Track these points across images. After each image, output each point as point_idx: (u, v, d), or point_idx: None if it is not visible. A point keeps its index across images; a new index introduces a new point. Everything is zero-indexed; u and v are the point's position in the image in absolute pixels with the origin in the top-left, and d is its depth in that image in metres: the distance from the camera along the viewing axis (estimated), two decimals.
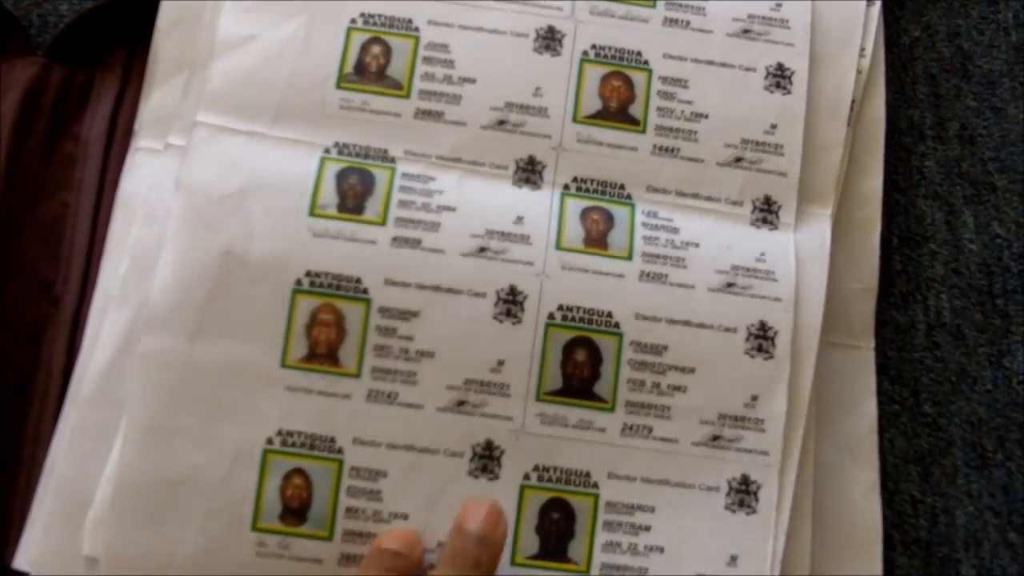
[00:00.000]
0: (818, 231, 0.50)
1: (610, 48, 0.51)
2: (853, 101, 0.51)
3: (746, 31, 0.51)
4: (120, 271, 0.48)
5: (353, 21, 0.50)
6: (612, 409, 0.46)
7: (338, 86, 0.49)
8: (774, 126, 0.50)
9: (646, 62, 0.51)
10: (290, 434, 0.45)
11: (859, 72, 0.52)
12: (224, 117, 0.48)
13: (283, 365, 0.46)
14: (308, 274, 0.46)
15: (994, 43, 0.57)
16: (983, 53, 0.56)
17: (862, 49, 0.52)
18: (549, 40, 0.50)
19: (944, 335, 0.52)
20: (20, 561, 0.45)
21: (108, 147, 0.51)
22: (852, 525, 0.48)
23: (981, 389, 0.51)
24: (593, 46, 0.51)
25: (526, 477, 0.46)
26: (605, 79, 0.50)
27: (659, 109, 0.50)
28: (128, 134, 0.51)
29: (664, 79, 0.50)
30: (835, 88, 0.51)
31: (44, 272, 0.49)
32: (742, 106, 0.50)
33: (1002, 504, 0.50)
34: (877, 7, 0.53)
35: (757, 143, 0.50)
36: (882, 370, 0.51)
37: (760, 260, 0.48)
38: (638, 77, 0.50)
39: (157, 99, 0.51)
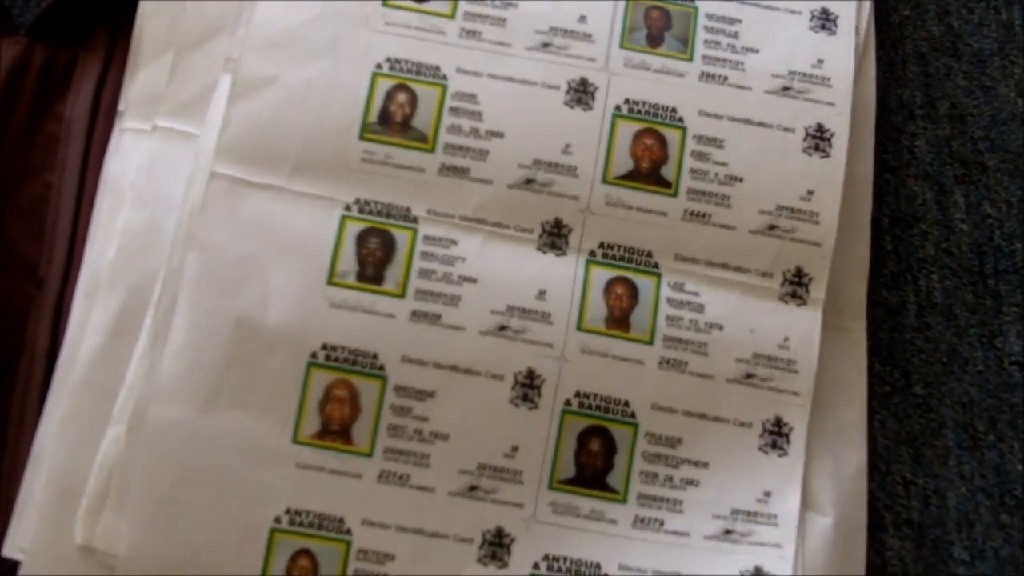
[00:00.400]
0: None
1: (644, 103, 0.49)
2: None
3: (786, 88, 0.50)
4: (108, 255, 0.47)
5: (379, 66, 0.48)
6: (624, 501, 0.46)
7: (361, 136, 0.48)
8: (811, 192, 0.48)
9: (681, 119, 0.49)
10: (299, 513, 0.44)
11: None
12: (241, 168, 0.47)
13: (295, 441, 0.45)
14: (324, 347, 0.45)
15: (984, 22, 0.56)
16: (973, 32, 0.56)
17: (856, 27, 0.52)
18: (581, 93, 0.49)
19: (935, 316, 0.52)
20: (10, 549, 0.44)
21: (91, 127, 0.51)
22: (838, 507, 0.47)
23: (973, 370, 0.51)
24: (626, 100, 0.49)
25: (535, 567, 0.45)
26: (637, 136, 0.49)
27: (692, 171, 0.48)
28: (111, 114, 0.51)
29: (699, 138, 0.49)
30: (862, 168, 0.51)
31: (27, 253, 0.49)
32: (779, 169, 0.49)
33: (994, 485, 0.49)
34: None
35: (792, 210, 0.48)
36: (873, 351, 0.50)
37: (783, 347, 0.47)
38: (672, 135, 0.49)
39: (143, 79, 0.50)
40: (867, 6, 0.52)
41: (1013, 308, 0.52)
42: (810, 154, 0.49)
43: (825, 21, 0.51)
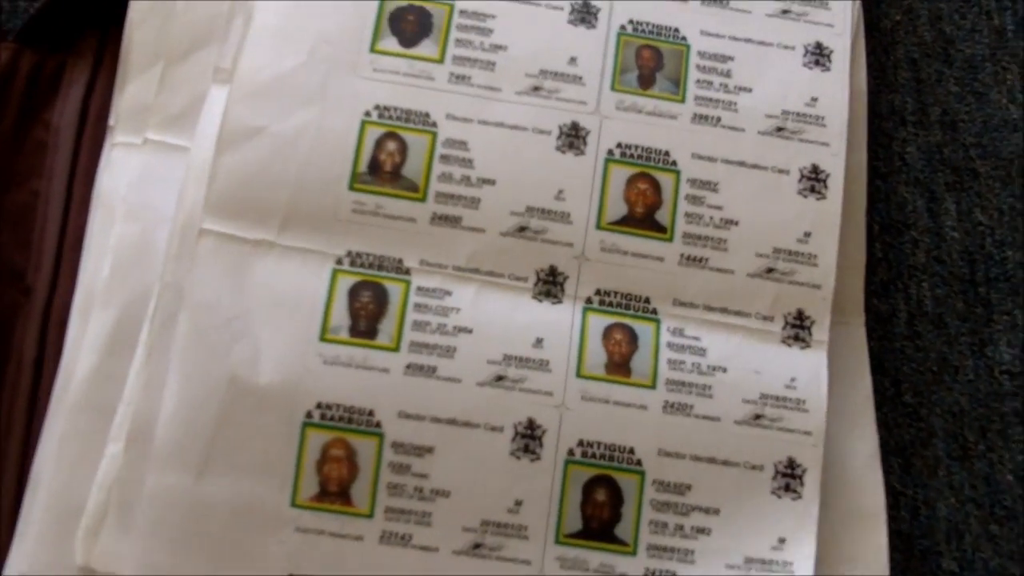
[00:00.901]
0: (852, 346, 0.49)
1: (636, 147, 0.48)
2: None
3: (779, 129, 0.49)
4: (103, 272, 0.47)
5: (367, 114, 0.48)
6: (634, 553, 0.45)
7: (351, 187, 0.47)
8: (808, 234, 0.48)
9: (674, 163, 0.48)
10: None
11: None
12: (230, 223, 0.46)
13: (293, 504, 0.44)
14: (319, 406, 0.44)
15: (976, 27, 0.56)
16: (965, 37, 0.56)
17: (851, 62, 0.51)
18: (573, 138, 0.48)
19: (926, 324, 0.51)
20: (11, 570, 0.44)
21: (79, 134, 0.51)
22: (855, 496, 0.47)
23: (963, 379, 0.51)
24: (619, 144, 0.48)
25: None
26: (631, 181, 0.48)
27: (687, 215, 0.48)
28: (100, 120, 0.51)
29: (693, 182, 0.48)
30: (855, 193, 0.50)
31: (14, 261, 0.49)
32: (774, 212, 0.48)
33: (984, 496, 0.49)
34: None
35: (790, 253, 0.48)
36: None
37: (790, 387, 0.46)
38: (665, 179, 0.48)
39: (132, 92, 0.50)
40: (857, 9, 0.52)
41: (1004, 317, 0.51)
42: (806, 196, 0.49)
43: (819, 56, 0.51)
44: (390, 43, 0.49)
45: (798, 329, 0.47)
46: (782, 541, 0.45)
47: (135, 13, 0.51)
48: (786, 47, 0.51)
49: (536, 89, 0.49)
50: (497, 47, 0.49)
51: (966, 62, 0.55)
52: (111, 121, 0.50)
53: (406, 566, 0.44)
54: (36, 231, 0.49)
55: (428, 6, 0.50)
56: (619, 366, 0.46)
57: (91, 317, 0.47)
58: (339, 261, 0.46)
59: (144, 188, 0.48)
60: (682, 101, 0.49)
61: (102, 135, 0.50)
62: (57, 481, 0.45)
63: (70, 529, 0.44)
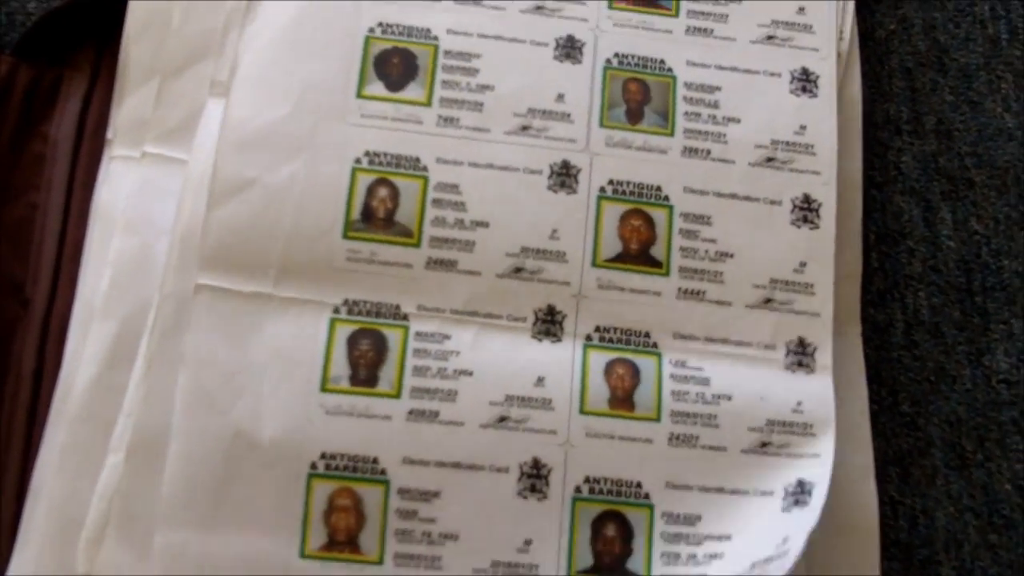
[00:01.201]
0: (852, 358, 0.48)
1: (628, 183, 0.48)
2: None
3: (770, 159, 0.49)
4: (102, 285, 0.47)
5: (358, 161, 0.48)
6: None
7: (345, 235, 0.47)
8: (803, 264, 0.48)
9: (666, 198, 0.48)
10: None
11: (838, 55, 0.51)
12: (225, 277, 0.46)
13: (302, 556, 0.44)
14: (323, 456, 0.44)
15: (970, 36, 0.56)
16: (959, 46, 0.56)
17: (840, 32, 0.51)
18: (564, 176, 0.48)
19: (922, 333, 0.51)
20: None
21: (77, 147, 0.51)
22: (848, 511, 0.47)
23: (960, 388, 0.50)
24: (610, 181, 0.48)
25: None
26: (624, 218, 0.48)
27: (682, 249, 0.48)
28: (97, 133, 0.51)
29: (686, 216, 0.48)
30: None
31: (13, 273, 0.49)
32: (769, 243, 0.48)
33: (982, 505, 0.49)
34: None
35: (787, 283, 0.48)
36: None
37: (797, 411, 0.46)
38: (658, 214, 0.48)
39: (130, 105, 0.51)
40: (851, 13, 0.52)
41: (1001, 326, 0.51)
42: (799, 226, 0.49)
43: (805, 83, 0.51)
44: (376, 87, 0.49)
45: (801, 356, 0.47)
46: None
47: (132, 27, 0.51)
48: (772, 74, 0.51)
49: (525, 128, 0.49)
50: (484, 87, 0.49)
51: (961, 71, 0.55)
52: (109, 135, 0.51)
53: None
54: (34, 244, 0.50)
55: (412, 48, 0.50)
56: (622, 400, 0.46)
57: (91, 329, 0.47)
58: (336, 310, 0.46)
59: (143, 201, 0.49)
60: (671, 135, 0.49)
61: (99, 148, 0.51)
62: (58, 491, 0.45)
63: (71, 539, 0.44)
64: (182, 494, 0.44)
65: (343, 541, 0.44)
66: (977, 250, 0.53)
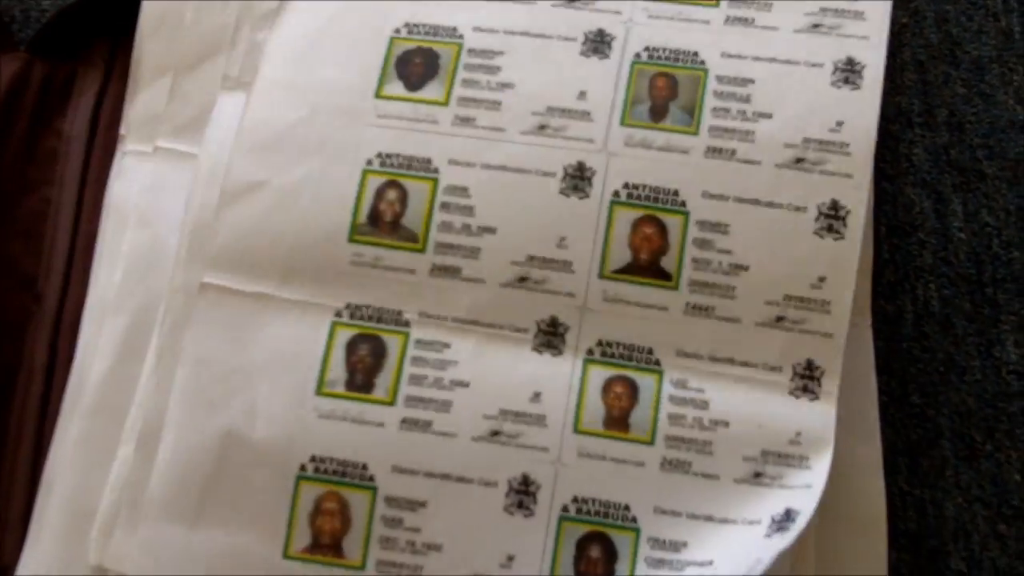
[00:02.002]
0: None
1: (644, 187, 0.46)
2: None
3: (799, 160, 0.46)
4: (115, 278, 0.48)
5: (369, 162, 0.47)
6: None
7: (350, 239, 0.46)
8: (822, 279, 0.45)
9: (683, 203, 0.46)
10: None
11: None
12: (231, 277, 0.46)
13: (285, 556, 0.44)
14: (313, 459, 0.44)
15: (983, 29, 0.56)
16: (971, 39, 0.56)
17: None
18: (578, 179, 0.47)
19: (933, 325, 0.51)
20: (25, 570, 0.45)
21: (91, 142, 0.51)
22: (855, 505, 0.46)
23: (970, 379, 0.51)
24: (625, 185, 0.46)
25: None
26: (636, 225, 0.46)
27: (694, 260, 0.46)
28: (111, 129, 0.51)
29: (702, 224, 0.46)
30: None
31: (26, 268, 0.49)
32: (788, 255, 0.46)
33: (992, 496, 0.49)
34: None
35: (802, 300, 0.45)
36: None
37: (794, 442, 0.44)
38: (673, 222, 0.46)
39: (143, 101, 0.51)
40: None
41: (1011, 317, 0.51)
42: (822, 236, 0.46)
43: (849, 73, 0.48)
44: (396, 87, 0.48)
45: (807, 380, 0.45)
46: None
47: (145, 24, 0.51)
48: (813, 64, 0.48)
49: (542, 128, 0.47)
50: (504, 85, 0.48)
51: (973, 64, 0.55)
52: (122, 130, 0.51)
53: None
54: (47, 238, 0.50)
55: (436, 47, 0.49)
56: (618, 421, 0.45)
57: (104, 322, 0.47)
58: (338, 314, 0.46)
59: (155, 195, 0.49)
60: (695, 133, 0.47)
61: (113, 143, 0.51)
62: (71, 483, 0.45)
63: (83, 530, 0.44)
64: (169, 489, 0.44)
65: (327, 544, 0.44)
66: (988, 242, 0.53)
